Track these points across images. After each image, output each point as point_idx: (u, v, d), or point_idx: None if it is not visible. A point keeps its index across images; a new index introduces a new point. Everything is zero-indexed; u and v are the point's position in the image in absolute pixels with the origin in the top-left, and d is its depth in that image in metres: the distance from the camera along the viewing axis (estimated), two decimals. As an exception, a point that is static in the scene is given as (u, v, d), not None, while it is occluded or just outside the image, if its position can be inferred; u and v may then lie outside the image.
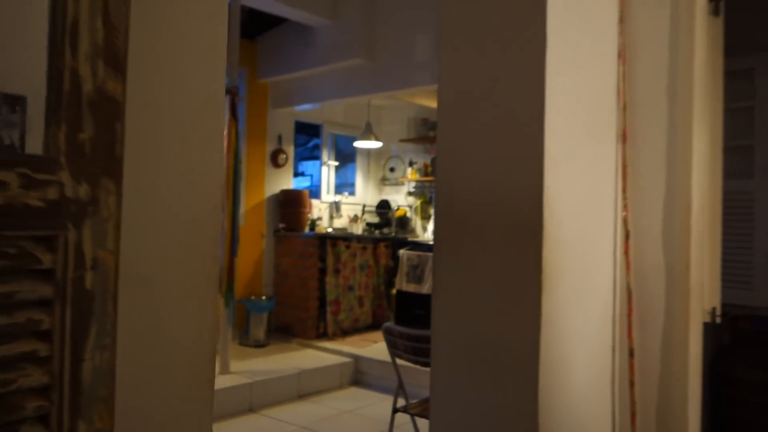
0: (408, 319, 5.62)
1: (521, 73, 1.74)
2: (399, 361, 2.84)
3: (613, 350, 2.02)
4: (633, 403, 2.00)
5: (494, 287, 1.77)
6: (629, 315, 2.01)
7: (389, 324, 2.75)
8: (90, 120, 0.81)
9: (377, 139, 6.28)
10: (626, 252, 2.01)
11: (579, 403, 1.86)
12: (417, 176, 6.62)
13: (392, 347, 2.76)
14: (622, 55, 2.01)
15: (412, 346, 2.58)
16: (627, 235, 2.01)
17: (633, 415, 2.00)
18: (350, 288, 5.85)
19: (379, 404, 4.36)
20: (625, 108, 2.02)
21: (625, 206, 2.01)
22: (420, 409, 2.71)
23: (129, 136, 0.85)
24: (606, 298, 2.00)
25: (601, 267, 1.98)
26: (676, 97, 1.99)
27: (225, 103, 4.26)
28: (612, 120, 2.00)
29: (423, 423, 2.62)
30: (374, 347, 5.21)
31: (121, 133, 0.84)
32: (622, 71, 2.01)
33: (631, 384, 2.00)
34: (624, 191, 2.01)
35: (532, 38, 1.71)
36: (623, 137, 2.01)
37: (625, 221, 2.01)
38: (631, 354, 2.00)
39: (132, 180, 0.86)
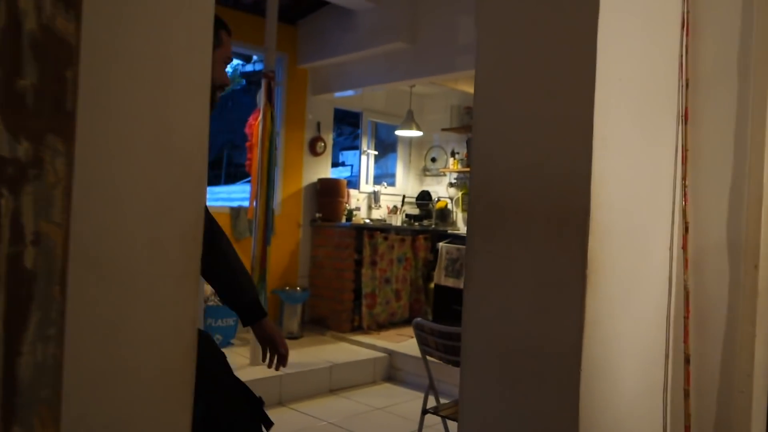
0: (446, 314, 5.44)
1: (569, 42, 1.55)
2: (430, 359, 2.67)
3: (667, 356, 1.81)
4: (687, 415, 1.78)
5: (532, 282, 1.58)
6: (686, 317, 1.79)
7: (419, 319, 2.59)
8: (33, 64, 0.67)
9: (419, 128, 6.10)
10: (684, 247, 1.79)
11: (626, 414, 1.66)
12: (459, 167, 6.41)
13: (423, 344, 2.59)
14: (686, 24, 1.78)
15: (443, 343, 2.41)
16: (686, 228, 1.79)
17: (687, 429, 1.79)
18: (387, 281, 5.70)
19: (413, 402, 4.20)
20: (687, 84, 1.79)
21: (684, 195, 1.79)
22: (451, 411, 2.54)
23: (85, 86, 0.71)
24: (659, 298, 1.79)
25: (655, 263, 1.77)
26: (748, 73, 1.75)
27: (261, 87, 4.16)
28: (672, 98, 1.78)
29: (455, 426, 2.46)
30: (410, 342, 5.05)
31: (73, 82, 0.70)
32: (685, 43, 1.79)
33: (686, 395, 1.78)
34: (684, 178, 1.79)
35: (583, 3, 1.52)
36: (685, 117, 1.79)
37: (683, 212, 1.79)
38: (687, 361, 1.78)
39: (87, 139, 0.72)
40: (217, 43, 1.54)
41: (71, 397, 0.73)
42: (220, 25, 1.57)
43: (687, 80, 1.80)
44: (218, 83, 1.56)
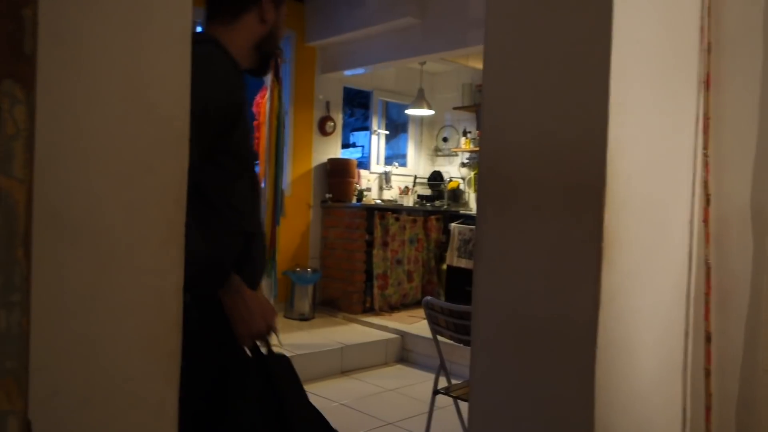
0: (458, 295, 5.38)
1: (583, 2, 1.46)
2: (442, 339, 2.62)
3: (687, 334, 1.73)
4: (708, 395, 1.71)
5: (545, 256, 1.51)
6: (707, 294, 1.71)
7: (430, 298, 2.53)
8: (-15, 2, 0.61)
9: (430, 107, 6.00)
10: (705, 220, 1.71)
11: (643, 394, 1.59)
12: (471, 146, 6.31)
13: (433, 323, 2.53)
14: (709, -16, 1.69)
15: (454, 322, 2.35)
16: (707, 200, 1.70)
17: (708, 409, 1.72)
18: (399, 262, 5.65)
19: (425, 383, 4.15)
20: (709, 48, 1.70)
21: (705, 166, 1.70)
22: (463, 391, 2.49)
23: (46, 26, 0.64)
24: (679, 274, 1.71)
25: (675, 237, 1.69)
26: (774, 35, 1.65)
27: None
28: (693, 62, 1.69)
29: (467, 406, 2.40)
30: (422, 324, 4.99)
31: (32, 21, 0.63)
32: (706, 4, 1.69)
33: (707, 373, 1.71)
34: (705, 148, 1.70)
35: (599, -41, 1.42)
36: (706, 83, 1.70)
37: (705, 184, 1.70)
38: (708, 339, 1.71)
39: (51, 86, 0.65)
40: None
41: (42, 370, 0.68)
42: None
43: (709, 44, 1.70)
44: (282, 38, 1.44)
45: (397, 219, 5.61)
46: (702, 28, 1.70)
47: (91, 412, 0.72)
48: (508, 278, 1.58)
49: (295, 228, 5.60)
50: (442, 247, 5.89)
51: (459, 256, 5.50)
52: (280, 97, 4.00)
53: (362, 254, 5.46)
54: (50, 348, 0.68)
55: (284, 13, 1.43)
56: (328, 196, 5.78)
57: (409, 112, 6.29)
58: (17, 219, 0.63)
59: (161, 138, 0.76)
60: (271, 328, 1.28)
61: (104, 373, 0.74)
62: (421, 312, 5.43)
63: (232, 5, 1.34)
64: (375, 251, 5.45)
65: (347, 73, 5.71)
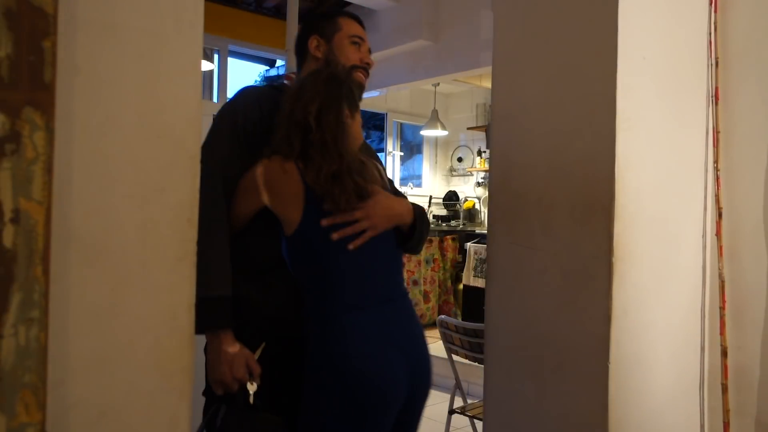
0: (476, 315, 5.35)
1: (588, 18, 1.48)
2: (458, 359, 2.61)
3: (702, 349, 1.72)
4: (726, 411, 1.69)
5: (556, 272, 1.52)
6: (722, 308, 1.70)
7: (443, 317, 2.53)
8: (8, 35, 0.65)
9: (444, 127, 6.03)
10: (718, 233, 1.70)
11: (659, 409, 1.58)
12: (486, 166, 6.32)
13: (448, 342, 2.53)
14: (714, 0, 1.70)
15: (469, 340, 2.35)
16: (719, 214, 1.70)
17: (726, 425, 1.70)
18: (415, 282, 5.64)
19: (443, 404, 4.10)
20: (717, 63, 1.71)
21: (717, 179, 1.70)
22: (479, 411, 2.47)
23: (65, 57, 0.68)
24: (693, 288, 1.70)
25: (687, 250, 1.68)
26: (781, 48, 1.66)
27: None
28: (701, 77, 1.70)
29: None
30: (439, 344, 4.96)
31: (51, 52, 0.67)
32: (713, 20, 1.70)
33: (724, 389, 1.69)
34: (716, 161, 1.70)
35: (602, -22, 1.45)
36: (715, 98, 1.70)
37: (716, 197, 1.70)
38: (725, 353, 1.69)
39: (69, 113, 0.69)
40: (335, 28, 1.57)
41: (61, 384, 0.70)
42: (337, 14, 1.63)
43: (716, 59, 1.71)
44: (348, 64, 1.54)
45: (413, 239, 5.62)
46: (709, 43, 1.71)
47: (106, 425, 0.75)
48: (520, 294, 1.58)
49: (311, 249, 5.62)
50: (458, 267, 5.87)
51: (476, 276, 5.48)
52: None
53: (379, 275, 5.46)
54: (67, 363, 0.71)
55: (343, 39, 1.57)
56: (344, 217, 5.81)
57: (424, 132, 6.33)
58: (36, 239, 0.67)
59: (174, 160, 0.79)
60: (238, 382, 1.27)
61: (119, 387, 0.76)
62: (438, 333, 5.41)
63: (299, 57, 1.62)
64: (391, 272, 5.46)
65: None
